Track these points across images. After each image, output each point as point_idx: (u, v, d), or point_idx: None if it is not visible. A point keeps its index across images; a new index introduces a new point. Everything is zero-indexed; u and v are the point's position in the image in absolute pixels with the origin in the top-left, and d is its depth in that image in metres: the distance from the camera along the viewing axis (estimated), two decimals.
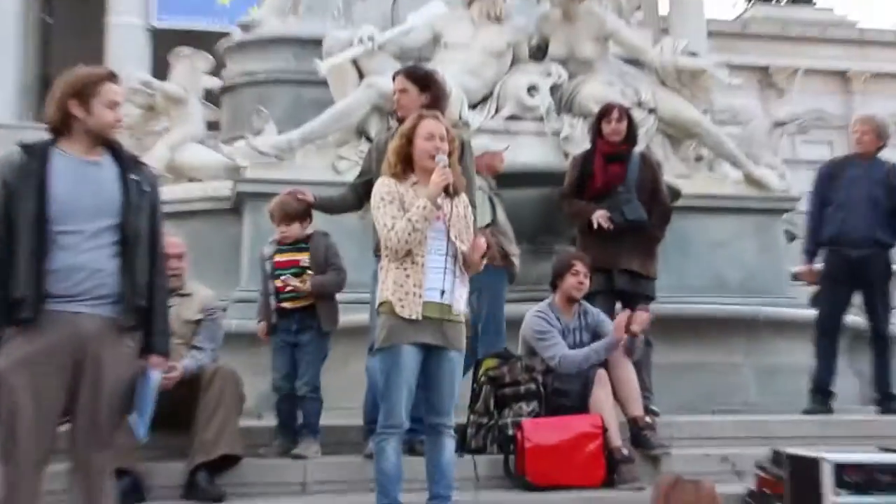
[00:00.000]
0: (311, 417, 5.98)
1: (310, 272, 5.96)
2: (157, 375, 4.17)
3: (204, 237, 10.07)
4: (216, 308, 6.10)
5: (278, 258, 6.02)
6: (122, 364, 4.07)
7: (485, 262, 4.95)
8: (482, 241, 4.89)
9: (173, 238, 5.86)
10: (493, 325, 6.86)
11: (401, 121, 5.81)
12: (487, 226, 6.82)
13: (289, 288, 5.94)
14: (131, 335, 4.11)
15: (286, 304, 5.97)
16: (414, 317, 4.70)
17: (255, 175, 9.84)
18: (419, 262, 4.75)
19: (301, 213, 6.02)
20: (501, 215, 7.19)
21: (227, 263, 9.95)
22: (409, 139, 4.91)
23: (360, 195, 6.06)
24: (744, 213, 10.65)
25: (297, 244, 6.03)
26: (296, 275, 5.97)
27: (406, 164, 4.91)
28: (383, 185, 4.87)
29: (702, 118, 10.66)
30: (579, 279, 6.43)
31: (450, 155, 4.88)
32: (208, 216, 10.20)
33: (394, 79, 5.91)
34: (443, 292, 4.72)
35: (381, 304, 4.80)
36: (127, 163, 4.14)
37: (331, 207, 6.21)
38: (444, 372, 4.81)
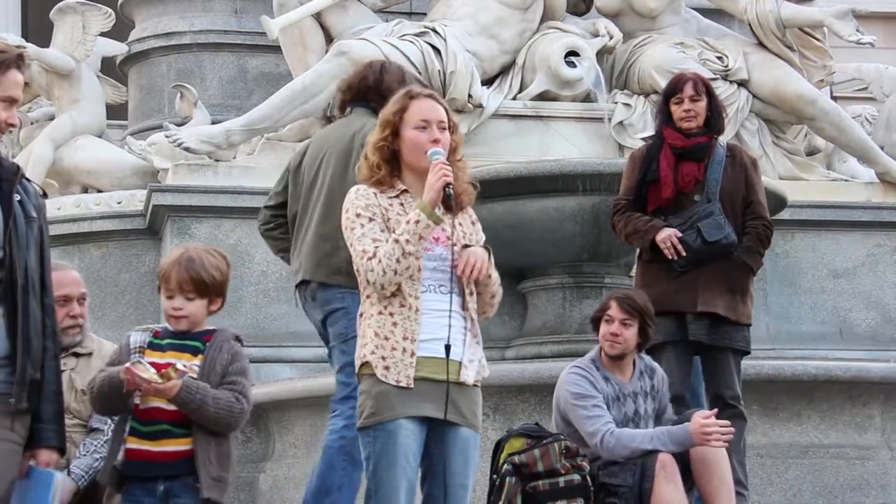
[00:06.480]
0: None
1: (187, 368, 4.86)
2: (60, 481, 4.13)
3: (107, 269, 10.21)
4: None
5: (153, 357, 4.92)
6: None
7: (495, 297, 5.00)
8: (475, 255, 4.85)
9: (73, 272, 5.97)
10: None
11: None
12: None
13: (139, 379, 4.73)
14: (20, 421, 4.10)
15: (145, 445, 4.87)
16: (404, 383, 4.81)
17: (179, 181, 9.99)
18: (411, 303, 4.85)
19: (218, 282, 4.99)
20: None
21: (141, 305, 10.09)
22: (394, 129, 4.99)
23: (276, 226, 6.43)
24: (878, 228, 10.79)
25: (189, 338, 4.99)
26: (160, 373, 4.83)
27: (391, 167, 4.99)
28: (359, 197, 4.94)
29: (817, 93, 10.79)
30: (612, 329, 6.50)
31: (452, 151, 4.97)
32: (112, 239, 10.34)
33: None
34: (448, 346, 4.81)
35: (360, 366, 4.90)
36: (6, 177, 4.16)
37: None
38: (454, 457, 4.91)
